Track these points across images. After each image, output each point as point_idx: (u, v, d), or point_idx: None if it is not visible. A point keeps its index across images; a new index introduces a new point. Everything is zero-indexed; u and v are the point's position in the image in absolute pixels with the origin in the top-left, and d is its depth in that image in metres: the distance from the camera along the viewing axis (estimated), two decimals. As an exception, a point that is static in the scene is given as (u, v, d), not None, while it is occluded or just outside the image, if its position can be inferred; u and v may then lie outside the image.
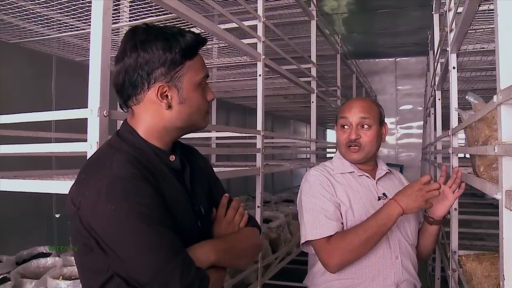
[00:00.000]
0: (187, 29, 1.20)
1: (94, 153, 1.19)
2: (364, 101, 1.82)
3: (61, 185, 1.56)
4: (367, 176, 1.78)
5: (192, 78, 1.17)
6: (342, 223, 1.66)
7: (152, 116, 1.16)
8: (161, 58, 1.11)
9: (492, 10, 1.75)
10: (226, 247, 1.21)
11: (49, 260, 2.45)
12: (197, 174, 1.31)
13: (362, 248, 1.58)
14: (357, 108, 1.75)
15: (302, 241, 1.68)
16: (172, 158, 1.20)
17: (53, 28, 2.69)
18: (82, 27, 2.63)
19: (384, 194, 1.75)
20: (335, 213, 1.65)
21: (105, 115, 1.41)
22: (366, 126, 1.73)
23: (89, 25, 1.46)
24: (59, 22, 2.55)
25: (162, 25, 1.21)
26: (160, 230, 1.00)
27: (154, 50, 1.11)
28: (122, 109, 1.22)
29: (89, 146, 1.40)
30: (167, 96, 1.14)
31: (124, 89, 1.15)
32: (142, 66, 1.11)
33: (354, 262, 1.62)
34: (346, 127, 1.77)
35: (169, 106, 1.15)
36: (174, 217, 1.09)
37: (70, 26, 2.63)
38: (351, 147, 1.74)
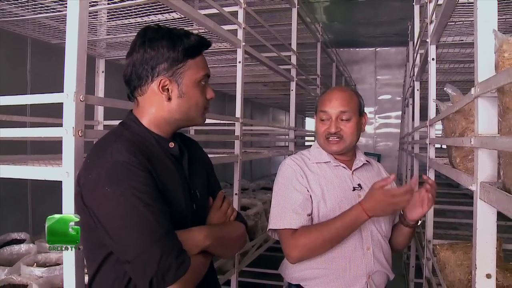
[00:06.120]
0: (195, 32, 1.34)
1: (98, 140, 1.29)
2: (343, 92, 1.78)
3: (36, 171, 1.53)
4: (343, 167, 1.78)
5: (192, 75, 1.30)
6: (310, 215, 1.67)
7: (154, 107, 1.30)
8: (165, 55, 1.26)
9: (472, 3, 1.77)
10: (220, 235, 1.34)
11: (23, 247, 2.41)
12: (195, 162, 1.44)
13: (324, 247, 1.62)
14: (337, 101, 1.73)
15: (268, 228, 1.74)
16: (172, 145, 1.34)
17: (27, 9, 2.60)
18: (58, 9, 2.55)
19: (359, 184, 1.75)
20: (304, 205, 1.66)
21: (81, 99, 1.39)
22: (346, 118, 1.72)
23: (66, 7, 1.43)
24: (34, 2, 2.47)
25: (171, 26, 1.35)
26: (148, 213, 1.11)
27: (160, 48, 1.25)
28: (130, 99, 1.36)
29: (65, 131, 1.38)
30: (168, 89, 1.28)
31: (131, 80, 1.29)
32: (147, 61, 1.26)
33: (325, 253, 1.64)
34: (325, 119, 1.75)
35: (169, 99, 1.28)
36: (169, 199, 1.22)
37: (46, 7, 2.55)
38: (330, 139, 1.74)
